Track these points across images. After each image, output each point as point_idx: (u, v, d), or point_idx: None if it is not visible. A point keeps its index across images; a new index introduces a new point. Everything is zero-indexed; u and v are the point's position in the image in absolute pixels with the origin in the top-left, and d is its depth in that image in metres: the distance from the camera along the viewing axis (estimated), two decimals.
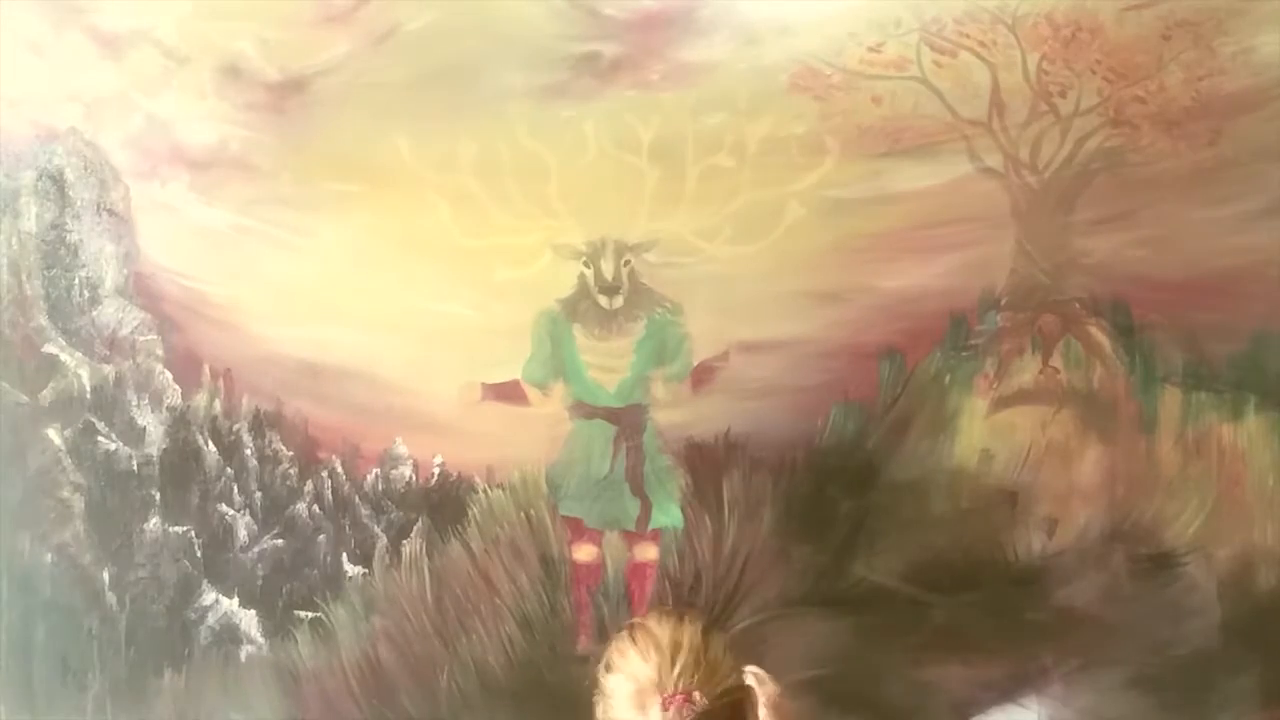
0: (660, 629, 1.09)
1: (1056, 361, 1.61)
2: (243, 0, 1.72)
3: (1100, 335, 1.60)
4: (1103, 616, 1.54)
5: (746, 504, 1.63)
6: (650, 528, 1.67)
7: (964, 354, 1.61)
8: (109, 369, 1.82)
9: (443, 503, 1.71)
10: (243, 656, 1.78)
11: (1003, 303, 1.60)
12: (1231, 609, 1.52)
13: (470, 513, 1.70)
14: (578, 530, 1.69)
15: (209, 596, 1.78)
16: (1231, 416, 1.56)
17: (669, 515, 1.66)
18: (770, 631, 1.61)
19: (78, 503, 1.83)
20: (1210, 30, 1.55)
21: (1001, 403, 1.61)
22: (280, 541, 1.77)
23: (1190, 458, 1.57)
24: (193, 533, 1.79)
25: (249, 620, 1.77)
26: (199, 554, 1.79)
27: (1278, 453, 1.55)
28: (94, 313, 1.84)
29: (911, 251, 1.59)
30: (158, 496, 1.81)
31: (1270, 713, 1.47)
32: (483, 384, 1.69)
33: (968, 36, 1.59)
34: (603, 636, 1.67)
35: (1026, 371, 1.61)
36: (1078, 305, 1.60)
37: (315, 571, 1.75)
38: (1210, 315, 1.55)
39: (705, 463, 1.64)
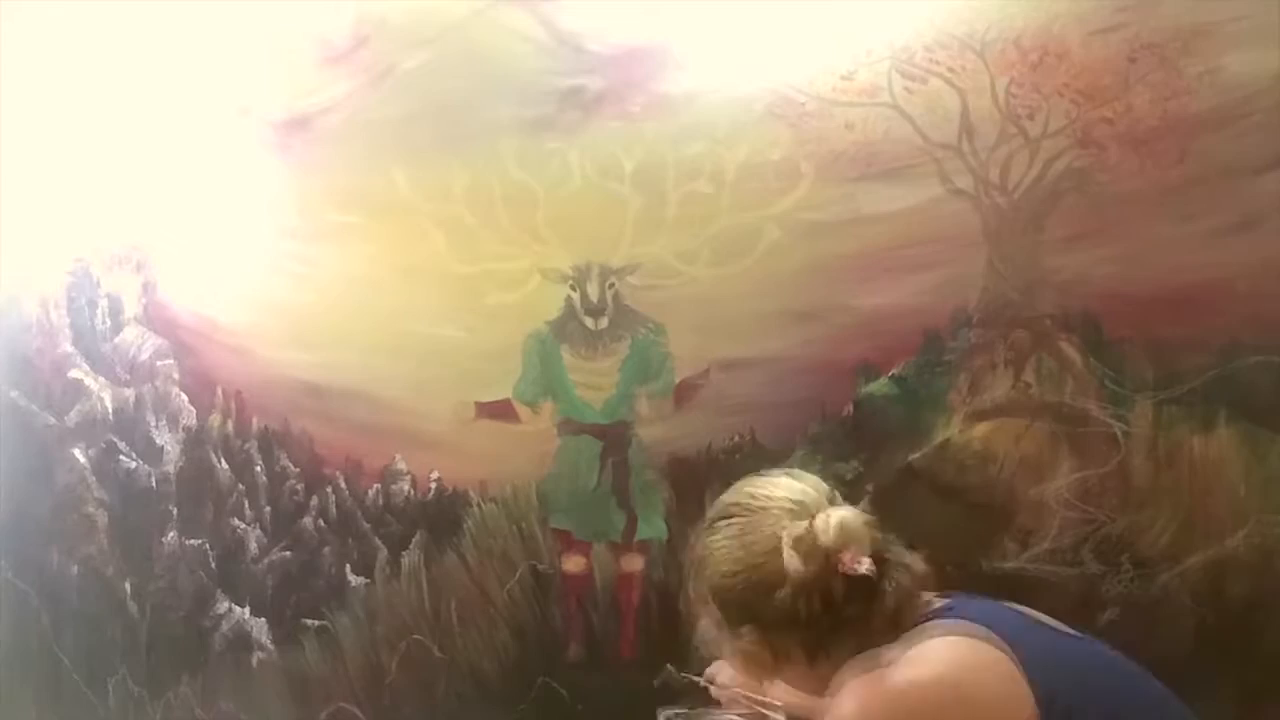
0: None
1: (1029, 376, 1.61)
2: (252, 45, 1.82)
3: (1071, 350, 1.60)
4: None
5: None
6: (636, 539, 1.71)
7: (938, 370, 1.64)
8: (129, 392, 1.91)
9: (439, 516, 1.77)
10: (254, 662, 1.86)
11: (975, 320, 1.60)
12: (1203, 617, 1.53)
13: (465, 525, 1.76)
14: (567, 542, 1.74)
15: (223, 605, 1.86)
16: (1202, 428, 1.54)
17: (654, 527, 1.71)
18: None
19: (101, 518, 1.92)
20: (1176, 52, 1.54)
21: (975, 417, 1.63)
22: (288, 554, 1.84)
23: (1162, 469, 1.56)
24: (207, 545, 1.87)
25: (260, 628, 1.85)
26: (213, 565, 1.87)
27: (1248, 463, 1.53)
28: (115, 340, 1.93)
29: (885, 271, 1.61)
30: (175, 511, 1.89)
31: None
32: (476, 403, 1.75)
33: (937, 63, 1.61)
34: (591, 645, 1.74)
35: (999, 386, 1.62)
36: (1049, 321, 1.59)
37: (321, 582, 1.82)
38: (1180, 329, 1.54)
39: (688, 476, 1.68)
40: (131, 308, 1.93)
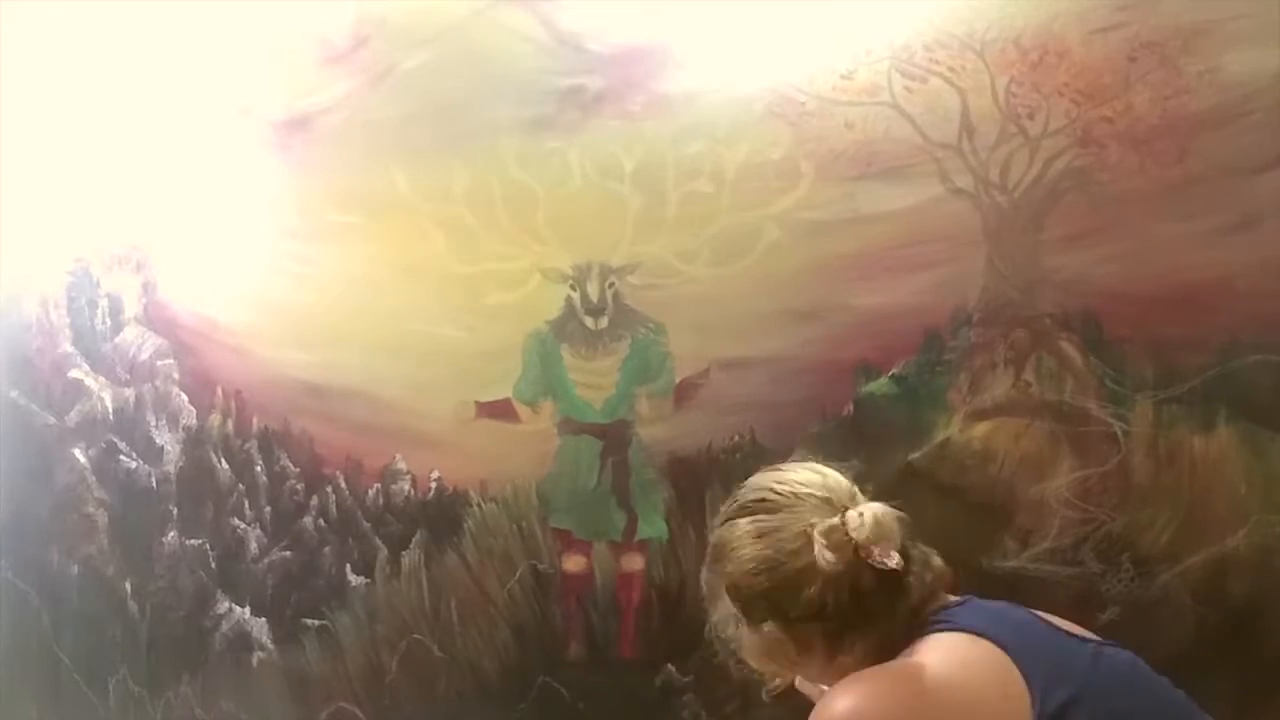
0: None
1: (1029, 375, 1.61)
2: (252, 45, 1.82)
3: (1071, 349, 1.60)
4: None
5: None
6: (636, 539, 1.71)
7: (938, 369, 1.64)
8: (129, 392, 1.91)
9: (440, 516, 1.77)
10: (254, 662, 1.86)
11: (975, 319, 1.60)
12: (1204, 617, 1.53)
13: (465, 525, 1.77)
14: (567, 541, 1.74)
15: (223, 605, 1.87)
16: (1202, 427, 1.54)
17: (654, 527, 1.71)
18: None
19: (102, 518, 1.93)
20: (1176, 50, 1.54)
21: (975, 416, 1.63)
22: (288, 553, 1.84)
23: (1162, 468, 1.55)
24: (207, 545, 1.88)
25: (260, 628, 1.85)
26: (213, 565, 1.87)
27: (1248, 462, 1.53)
28: (115, 340, 1.93)
29: (885, 270, 1.61)
30: (175, 511, 1.89)
31: None
32: (476, 402, 1.75)
33: (937, 63, 1.60)
34: (591, 644, 1.74)
35: (999, 385, 1.62)
36: (1049, 320, 1.59)
37: (321, 581, 1.83)
38: (1180, 328, 1.53)
39: (688, 476, 1.68)
40: (131, 308, 1.93)
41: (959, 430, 1.63)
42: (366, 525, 1.81)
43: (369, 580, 1.81)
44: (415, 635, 1.78)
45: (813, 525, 0.92)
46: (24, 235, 2.00)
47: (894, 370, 1.64)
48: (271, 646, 1.85)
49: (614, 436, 1.72)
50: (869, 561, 0.90)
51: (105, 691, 1.95)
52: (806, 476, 0.98)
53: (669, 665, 1.68)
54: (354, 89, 1.75)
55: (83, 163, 1.94)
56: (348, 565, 1.82)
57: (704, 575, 1.00)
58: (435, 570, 1.78)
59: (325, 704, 1.82)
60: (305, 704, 1.84)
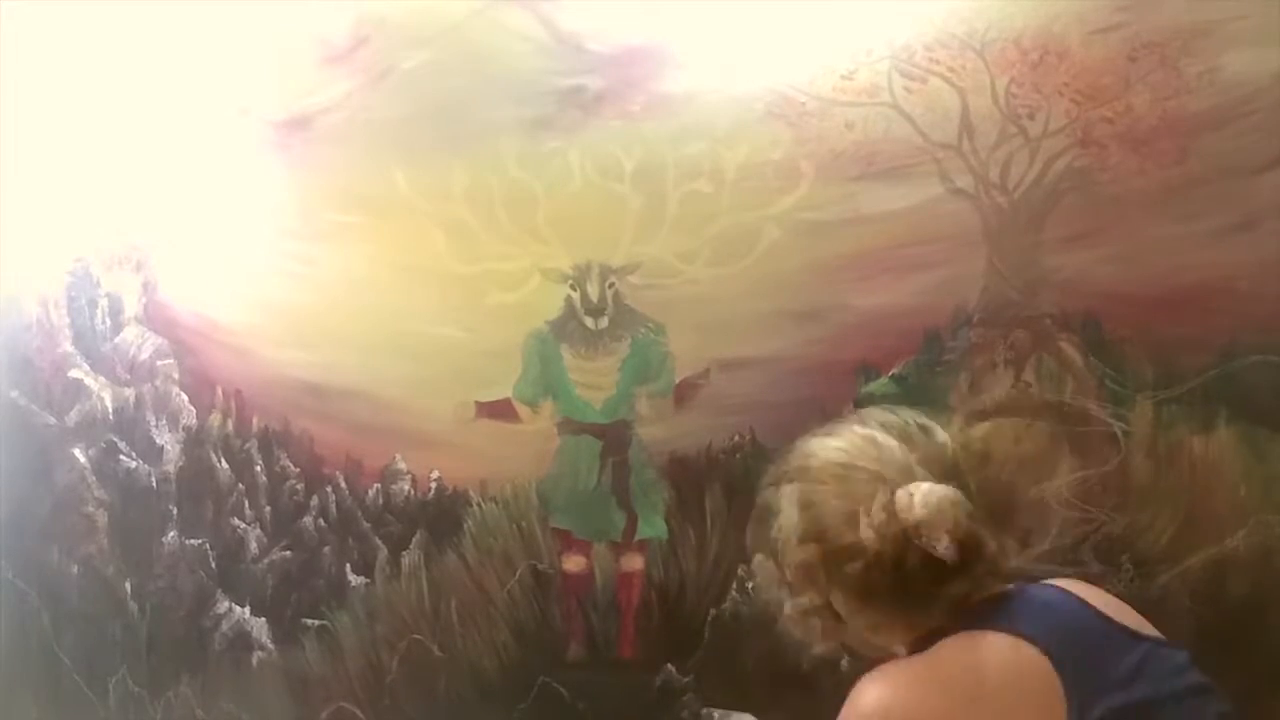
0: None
1: (1029, 376, 1.61)
2: (252, 45, 1.82)
3: (1071, 350, 1.60)
4: None
5: (728, 515, 1.68)
6: (636, 539, 1.72)
7: (938, 369, 1.64)
8: (129, 392, 1.92)
9: (440, 516, 1.77)
10: (254, 662, 1.86)
11: (975, 319, 1.60)
12: (1203, 617, 1.53)
13: (465, 525, 1.77)
14: (567, 541, 1.74)
15: (223, 605, 1.87)
16: (1202, 428, 1.54)
17: (654, 527, 1.71)
18: None
19: (101, 518, 1.93)
20: (1176, 51, 1.54)
21: (975, 416, 1.63)
22: (288, 553, 1.85)
23: (1162, 469, 1.55)
24: (207, 545, 1.88)
25: (260, 628, 1.85)
26: (213, 565, 1.87)
27: (1248, 463, 1.53)
28: (115, 339, 1.93)
29: (885, 271, 1.61)
30: (175, 511, 1.90)
31: None
32: (476, 402, 1.75)
33: (937, 63, 1.60)
34: (591, 644, 1.74)
35: (999, 386, 1.62)
36: (1049, 321, 1.59)
37: (321, 581, 1.83)
38: (1180, 329, 1.53)
39: (688, 476, 1.68)
40: (131, 307, 1.93)
41: (959, 430, 1.62)
42: (366, 525, 1.81)
43: (369, 580, 1.81)
44: (415, 635, 1.78)
45: (860, 506, 0.88)
46: (24, 235, 2.00)
47: (894, 370, 1.64)
48: (271, 646, 1.85)
49: (614, 436, 1.72)
50: (918, 543, 0.86)
51: (105, 691, 1.95)
52: (858, 445, 0.92)
53: (669, 665, 1.68)
54: (354, 89, 1.75)
55: (83, 163, 1.94)
56: (348, 565, 1.82)
57: (749, 534, 0.97)
58: (435, 570, 1.78)
59: (325, 704, 1.82)
60: (305, 704, 1.84)
